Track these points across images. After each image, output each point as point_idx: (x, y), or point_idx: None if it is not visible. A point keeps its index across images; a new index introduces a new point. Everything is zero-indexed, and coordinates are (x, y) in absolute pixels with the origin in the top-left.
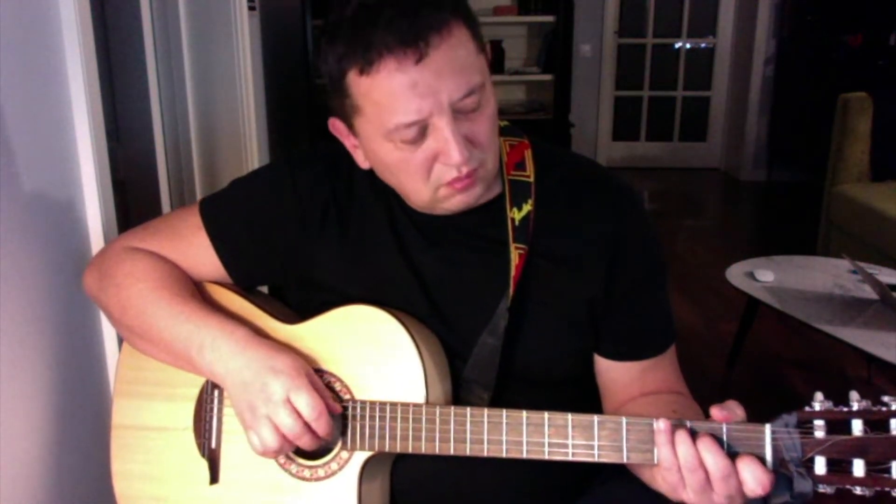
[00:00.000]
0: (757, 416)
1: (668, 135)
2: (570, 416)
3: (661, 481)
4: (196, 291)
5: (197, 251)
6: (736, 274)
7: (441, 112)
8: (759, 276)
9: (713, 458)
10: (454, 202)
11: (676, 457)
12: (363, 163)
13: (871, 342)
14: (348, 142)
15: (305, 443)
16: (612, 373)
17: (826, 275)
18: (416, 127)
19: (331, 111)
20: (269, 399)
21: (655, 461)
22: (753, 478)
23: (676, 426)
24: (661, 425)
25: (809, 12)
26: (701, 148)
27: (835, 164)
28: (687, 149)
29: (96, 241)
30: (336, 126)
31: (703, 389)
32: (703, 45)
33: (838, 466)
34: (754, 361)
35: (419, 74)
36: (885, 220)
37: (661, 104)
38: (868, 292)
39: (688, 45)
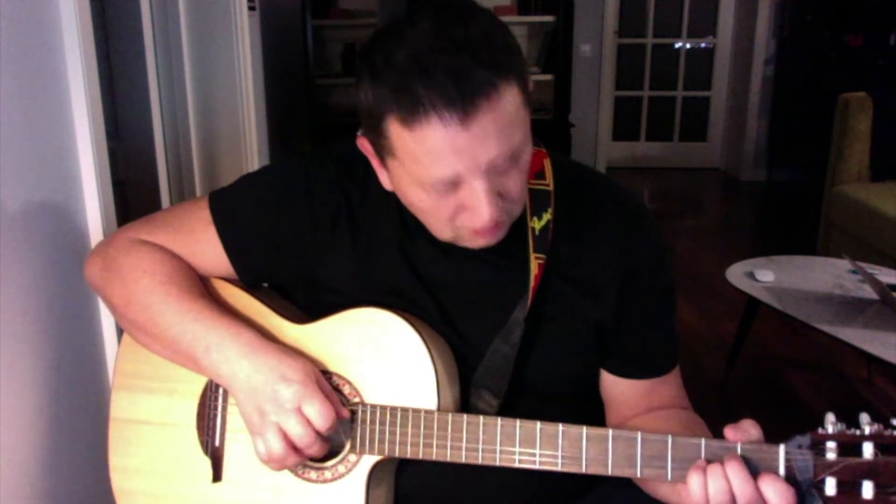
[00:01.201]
0: (756, 416)
1: (668, 135)
2: (584, 429)
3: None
4: (204, 289)
5: (205, 246)
6: (736, 274)
7: (476, 172)
8: (759, 276)
9: (741, 484)
10: (474, 243)
11: (707, 491)
12: (387, 185)
13: (871, 342)
14: (374, 161)
15: (314, 451)
16: (617, 388)
17: (826, 275)
18: (449, 181)
19: (360, 128)
20: (281, 406)
21: (669, 478)
22: (777, 495)
23: (709, 462)
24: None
25: (809, 12)
26: (701, 148)
27: (835, 164)
28: (687, 149)
29: (96, 241)
30: (364, 146)
31: (703, 389)
32: (703, 45)
33: (848, 488)
34: (754, 361)
35: (462, 137)
36: (885, 220)
37: (661, 104)
38: (868, 292)
39: (688, 45)
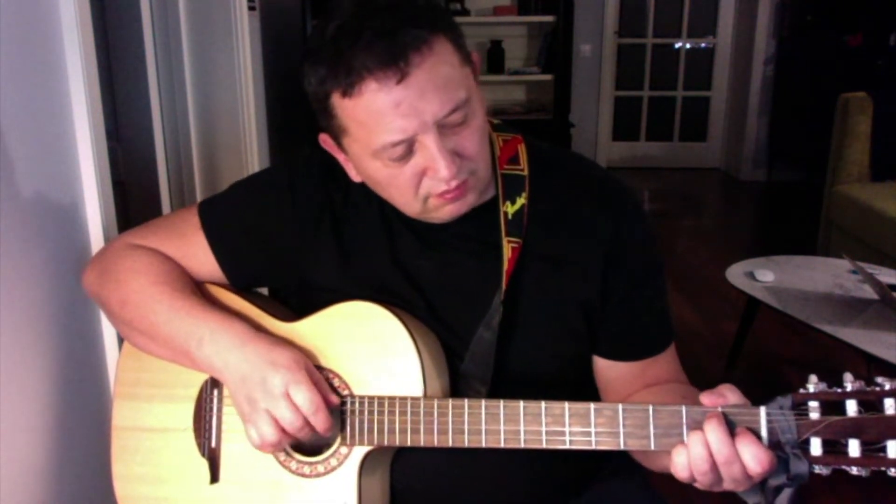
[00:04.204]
0: None
1: (668, 135)
2: (566, 404)
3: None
4: (196, 288)
5: (196, 251)
6: (736, 274)
7: (426, 130)
8: (759, 276)
9: (718, 444)
10: (445, 212)
11: (689, 460)
12: (355, 177)
13: (871, 342)
14: (339, 156)
15: (304, 435)
16: (612, 372)
17: (826, 275)
18: (403, 145)
19: (320, 127)
20: (269, 393)
21: (652, 447)
22: (753, 457)
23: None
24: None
25: (809, 12)
26: (701, 148)
27: (835, 164)
28: (687, 149)
29: (96, 242)
30: (326, 141)
31: (702, 389)
32: (703, 45)
33: (834, 447)
34: (754, 361)
35: (402, 94)
36: (885, 220)
37: (661, 104)
38: (868, 292)
39: (688, 45)
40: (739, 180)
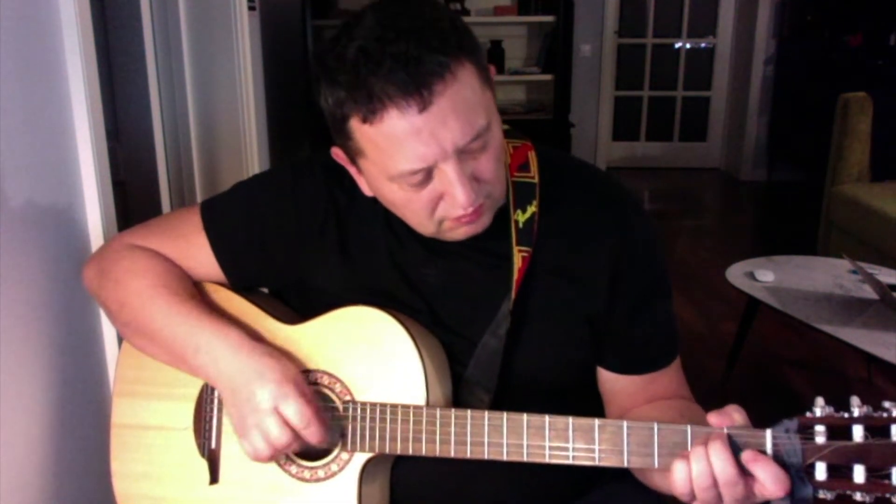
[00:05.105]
0: (757, 416)
1: (668, 135)
2: (570, 419)
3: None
4: (195, 291)
5: (197, 251)
6: (736, 274)
7: (446, 157)
8: (759, 276)
9: (721, 465)
10: (459, 233)
11: (691, 474)
12: (367, 191)
13: (871, 342)
14: (351, 170)
15: (296, 448)
16: (617, 385)
17: (826, 275)
18: (422, 173)
19: (333, 141)
20: (257, 409)
21: (656, 465)
22: (773, 478)
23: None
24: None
25: (809, 12)
26: (701, 148)
27: (835, 164)
28: (687, 149)
29: (96, 242)
30: (339, 155)
31: (703, 389)
32: (703, 45)
33: (839, 472)
34: (754, 361)
35: (423, 123)
36: (885, 220)
37: (661, 104)
38: (868, 292)
39: (688, 45)
40: (739, 180)
